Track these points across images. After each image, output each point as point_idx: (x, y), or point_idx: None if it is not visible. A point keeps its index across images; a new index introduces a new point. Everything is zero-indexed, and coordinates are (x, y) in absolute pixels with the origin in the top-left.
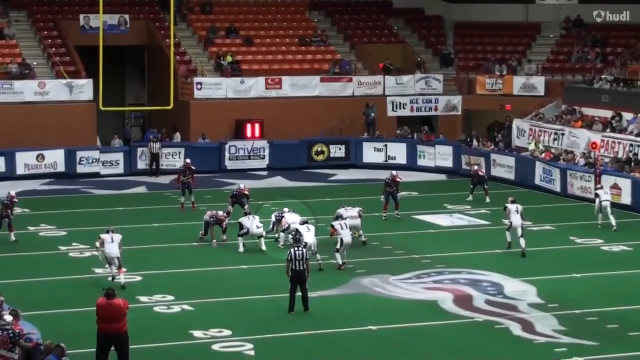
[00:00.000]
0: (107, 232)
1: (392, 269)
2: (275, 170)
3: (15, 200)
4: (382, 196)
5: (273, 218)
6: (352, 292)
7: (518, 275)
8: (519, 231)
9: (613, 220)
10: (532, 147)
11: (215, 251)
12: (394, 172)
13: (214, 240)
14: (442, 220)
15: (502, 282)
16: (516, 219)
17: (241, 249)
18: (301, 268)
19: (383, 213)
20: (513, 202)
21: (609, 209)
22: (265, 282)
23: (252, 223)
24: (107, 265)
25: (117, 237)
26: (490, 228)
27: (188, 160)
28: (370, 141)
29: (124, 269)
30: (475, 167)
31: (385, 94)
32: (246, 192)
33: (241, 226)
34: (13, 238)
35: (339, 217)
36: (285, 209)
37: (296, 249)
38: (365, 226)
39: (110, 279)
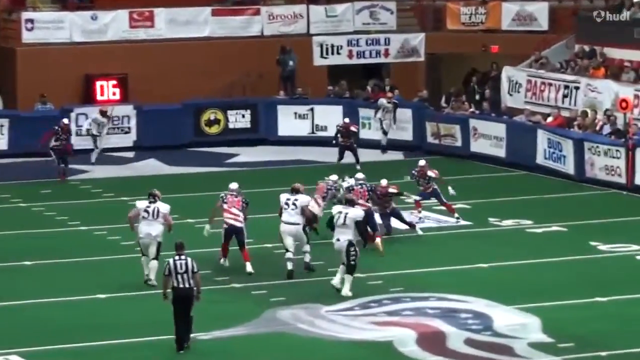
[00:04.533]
0: None
1: (325, 296)
2: (147, 150)
3: None
4: None
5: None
6: (265, 332)
7: (514, 300)
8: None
9: None
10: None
11: (52, 271)
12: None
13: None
14: (399, 221)
15: (491, 311)
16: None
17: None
18: (187, 285)
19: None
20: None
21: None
22: (136, 317)
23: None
24: None
25: None
26: (472, 231)
27: (66, 121)
28: (289, 104)
29: None
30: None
31: (311, 33)
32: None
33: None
34: None
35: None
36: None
37: (177, 257)
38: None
39: None
